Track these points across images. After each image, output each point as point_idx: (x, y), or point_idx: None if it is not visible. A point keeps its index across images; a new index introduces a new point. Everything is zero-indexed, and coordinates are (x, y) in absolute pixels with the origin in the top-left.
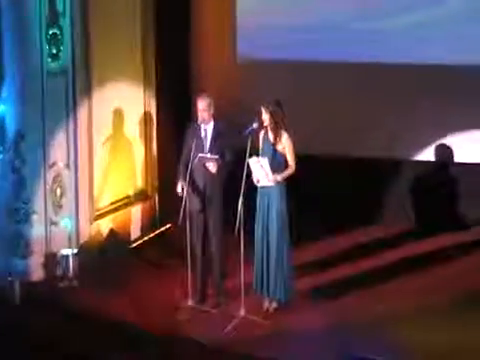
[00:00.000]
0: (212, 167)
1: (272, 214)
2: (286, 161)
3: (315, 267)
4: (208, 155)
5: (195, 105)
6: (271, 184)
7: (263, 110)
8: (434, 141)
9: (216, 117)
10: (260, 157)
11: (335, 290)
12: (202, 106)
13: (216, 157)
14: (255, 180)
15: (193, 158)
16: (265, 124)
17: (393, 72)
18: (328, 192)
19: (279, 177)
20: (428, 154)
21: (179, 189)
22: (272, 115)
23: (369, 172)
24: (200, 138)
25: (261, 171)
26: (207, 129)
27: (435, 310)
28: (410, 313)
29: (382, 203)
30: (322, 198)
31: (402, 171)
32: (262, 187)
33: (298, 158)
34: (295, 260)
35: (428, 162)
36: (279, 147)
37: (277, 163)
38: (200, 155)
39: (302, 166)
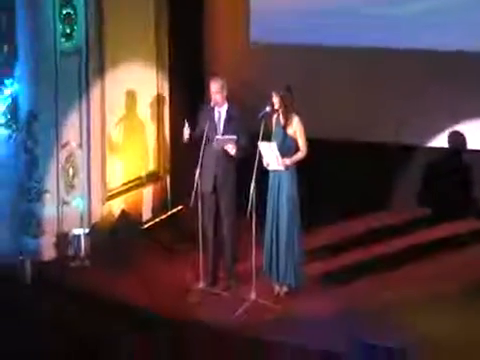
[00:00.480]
0: (231, 149)
1: (282, 198)
2: (297, 145)
3: (326, 252)
4: (226, 137)
5: (208, 87)
6: (281, 168)
7: (273, 94)
8: (447, 127)
9: (230, 100)
10: (272, 140)
11: (345, 275)
12: (215, 88)
13: (234, 137)
14: (265, 164)
15: (206, 140)
16: (276, 108)
17: (406, 58)
18: (339, 177)
19: (288, 161)
20: (441, 140)
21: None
22: (282, 99)
23: (381, 157)
24: (213, 120)
25: (271, 155)
26: (221, 111)
27: (445, 297)
28: (420, 300)
29: (394, 189)
30: (333, 183)
31: (414, 157)
32: (273, 171)
33: (309, 142)
34: (306, 245)
35: (441, 148)
36: (290, 131)
37: (287, 147)
38: (217, 137)
39: (313, 150)
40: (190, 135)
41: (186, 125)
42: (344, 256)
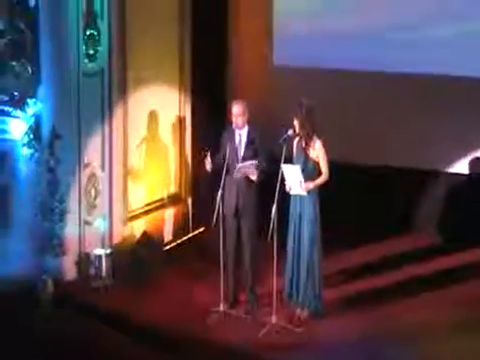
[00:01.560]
0: (252, 175)
1: (304, 222)
2: (319, 169)
3: (346, 276)
4: (246, 163)
5: (230, 110)
6: (303, 193)
7: (295, 117)
8: (469, 153)
9: (251, 123)
10: (293, 164)
11: (366, 300)
12: (237, 111)
13: (254, 162)
14: (287, 187)
15: (228, 163)
16: (297, 131)
17: (428, 82)
18: (359, 201)
19: (311, 185)
20: (462, 166)
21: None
22: (303, 122)
23: (403, 182)
24: (234, 143)
25: (294, 178)
26: (241, 134)
27: (467, 324)
28: (442, 325)
29: (414, 213)
30: (353, 206)
31: (435, 182)
32: (295, 194)
33: (331, 166)
34: (327, 269)
35: (462, 174)
36: (312, 154)
37: (309, 170)
38: (239, 165)
39: (335, 174)
40: (212, 164)
41: (208, 155)
42: (365, 280)
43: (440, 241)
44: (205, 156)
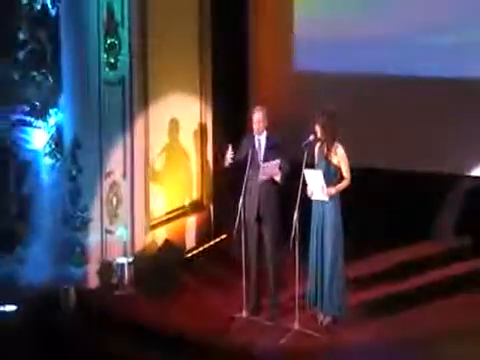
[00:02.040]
0: (276, 176)
1: (327, 228)
2: (340, 174)
3: (369, 282)
4: (271, 163)
5: (250, 116)
6: (325, 198)
7: (315, 122)
8: None
9: (271, 128)
10: (315, 170)
11: (389, 305)
12: (257, 117)
13: (278, 161)
14: (309, 193)
15: (249, 168)
16: (318, 136)
17: (453, 87)
18: (381, 206)
19: (333, 190)
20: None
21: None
22: (324, 127)
23: (426, 187)
24: (254, 148)
25: (316, 184)
26: (260, 139)
27: None
28: (462, 331)
29: (437, 218)
30: (375, 212)
31: (457, 186)
32: (316, 200)
33: (353, 171)
34: (349, 274)
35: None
36: (333, 159)
37: (331, 176)
38: (263, 165)
39: (357, 179)
40: (232, 160)
41: (230, 149)
42: (388, 286)
43: (459, 247)
44: (225, 151)
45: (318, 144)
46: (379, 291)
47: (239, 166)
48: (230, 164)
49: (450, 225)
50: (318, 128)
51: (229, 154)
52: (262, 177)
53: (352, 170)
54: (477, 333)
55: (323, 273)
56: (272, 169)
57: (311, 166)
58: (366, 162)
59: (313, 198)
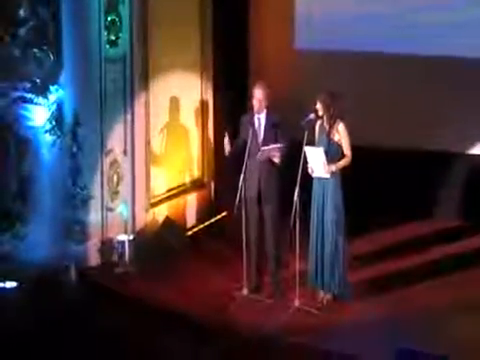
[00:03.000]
0: (276, 158)
1: (327, 206)
2: (342, 151)
3: (369, 260)
4: (270, 146)
5: (251, 93)
6: (326, 175)
7: (317, 100)
8: None
9: (271, 107)
10: (316, 147)
11: (390, 283)
12: (259, 95)
13: (278, 145)
14: (310, 170)
15: (249, 146)
16: (319, 114)
17: (452, 65)
18: (382, 184)
19: (334, 167)
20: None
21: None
22: (325, 105)
23: (427, 165)
24: (254, 127)
25: (317, 161)
26: (261, 118)
27: None
28: (465, 307)
29: (438, 197)
30: (376, 190)
31: (455, 165)
32: (317, 178)
33: (354, 149)
34: (350, 252)
35: None
36: (334, 137)
37: (332, 153)
38: (263, 148)
39: (358, 157)
40: (231, 148)
41: (226, 138)
42: (388, 264)
43: (461, 224)
44: (224, 136)
45: (319, 122)
46: (380, 269)
47: (242, 147)
48: (230, 152)
49: (452, 203)
50: (319, 106)
51: (226, 143)
52: (260, 158)
53: (353, 148)
54: (478, 309)
55: (323, 251)
56: (271, 152)
57: (312, 144)
58: (367, 140)
59: (314, 175)
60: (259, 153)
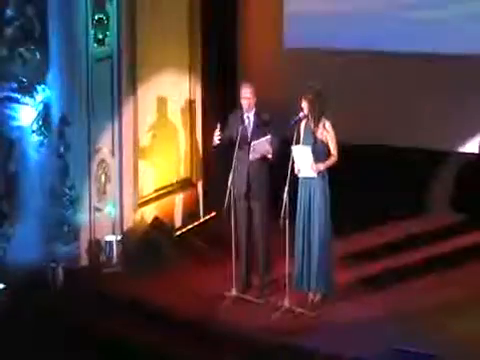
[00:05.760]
0: (268, 154)
1: (315, 205)
2: (328, 150)
3: (359, 258)
4: (261, 140)
5: (240, 92)
6: (313, 175)
7: (303, 98)
8: None
9: (260, 105)
10: (302, 145)
11: (380, 282)
12: (246, 93)
13: (269, 137)
14: (296, 170)
15: (238, 145)
16: (305, 112)
17: (441, 63)
18: (373, 182)
19: (322, 166)
20: (473, 146)
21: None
22: (311, 103)
23: (415, 161)
24: (243, 125)
25: (304, 160)
26: (249, 117)
27: None
28: (457, 305)
29: (428, 194)
30: (366, 188)
31: (448, 163)
32: (304, 177)
33: (343, 148)
34: (338, 251)
35: (474, 154)
36: (320, 136)
37: (318, 152)
38: (254, 143)
39: (347, 156)
40: (220, 140)
41: (218, 129)
42: (378, 262)
43: (453, 221)
44: (215, 130)
45: (304, 120)
46: (370, 267)
47: (228, 143)
48: (217, 144)
49: (444, 200)
50: (305, 104)
51: (216, 134)
52: (255, 156)
53: (341, 146)
54: (471, 309)
55: (311, 253)
56: (263, 146)
57: (298, 143)
58: (356, 138)
59: (300, 175)
60: (251, 150)
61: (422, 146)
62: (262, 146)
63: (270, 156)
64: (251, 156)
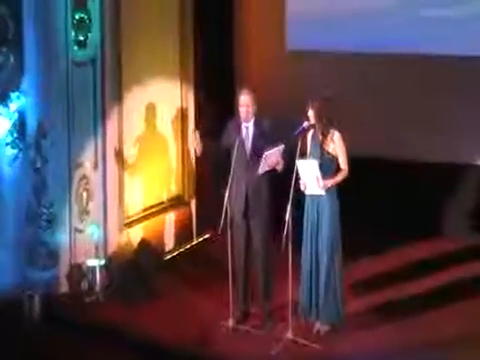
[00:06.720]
0: (279, 166)
1: (322, 225)
2: (337, 164)
3: (369, 285)
4: (273, 150)
5: (237, 100)
6: (321, 192)
7: (309, 106)
8: None
9: (259, 114)
10: (309, 159)
11: (390, 312)
12: (245, 101)
13: (281, 147)
14: (302, 186)
15: (235, 158)
16: (312, 122)
17: (454, 64)
18: (385, 199)
19: (330, 182)
20: None
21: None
22: (318, 112)
23: (429, 177)
24: (241, 137)
25: (310, 176)
26: (248, 127)
27: None
28: (473, 337)
29: (445, 212)
30: (378, 206)
31: (465, 177)
32: (311, 195)
33: (352, 161)
34: (348, 277)
35: None
36: (328, 148)
37: (326, 166)
38: (266, 153)
39: (355, 169)
40: (203, 148)
41: (196, 135)
42: (388, 290)
43: (470, 245)
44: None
45: (312, 131)
46: (380, 295)
47: (225, 155)
48: (202, 153)
49: (463, 220)
50: (311, 113)
51: (194, 142)
52: (265, 168)
53: (351, 159)
54: None
55: (318, 278)
56: (276, 157)
57: (304, 157)
58: (367, 150)
59: (307, 192)
60: (262, 161)
61: (438, 160)
62: (275, 157)
63: (280, 167)
64: (261, 169)
